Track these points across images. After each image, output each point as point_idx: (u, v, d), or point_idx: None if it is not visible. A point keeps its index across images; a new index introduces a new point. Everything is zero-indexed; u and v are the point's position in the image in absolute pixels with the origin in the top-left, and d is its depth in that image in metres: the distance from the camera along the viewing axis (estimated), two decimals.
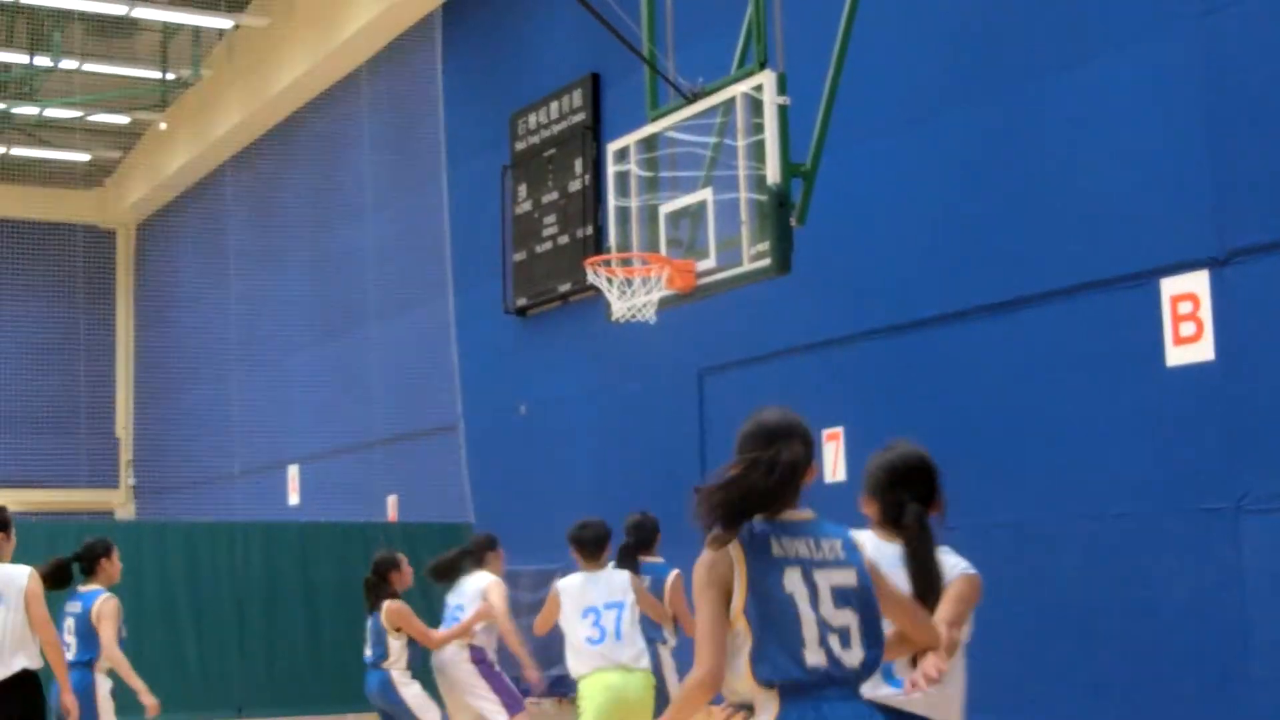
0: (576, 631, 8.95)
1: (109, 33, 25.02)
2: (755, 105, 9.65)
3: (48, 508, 29.18)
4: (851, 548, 4.10)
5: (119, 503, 31.47)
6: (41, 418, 30.46)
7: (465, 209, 19.48)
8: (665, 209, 10.37)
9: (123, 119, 28.08)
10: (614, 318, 10.47)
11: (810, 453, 4.13)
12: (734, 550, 3.99)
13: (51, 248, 31.16)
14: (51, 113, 26.58)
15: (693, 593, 4.05)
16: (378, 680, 10.71)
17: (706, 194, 10.06)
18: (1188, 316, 10.02)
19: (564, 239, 17.09)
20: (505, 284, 18.21)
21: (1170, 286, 10.15)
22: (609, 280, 10.39)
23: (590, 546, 9.17)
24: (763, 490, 4.03)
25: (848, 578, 4.02)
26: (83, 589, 9.15)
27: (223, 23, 24.01)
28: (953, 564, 4.83)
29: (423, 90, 20.51)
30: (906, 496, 4.68)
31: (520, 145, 18.15)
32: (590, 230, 16.51)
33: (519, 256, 17.96)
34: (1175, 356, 10.10)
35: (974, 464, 11.64)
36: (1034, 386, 11.20)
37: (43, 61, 23.89)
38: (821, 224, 10.00)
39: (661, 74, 10.51)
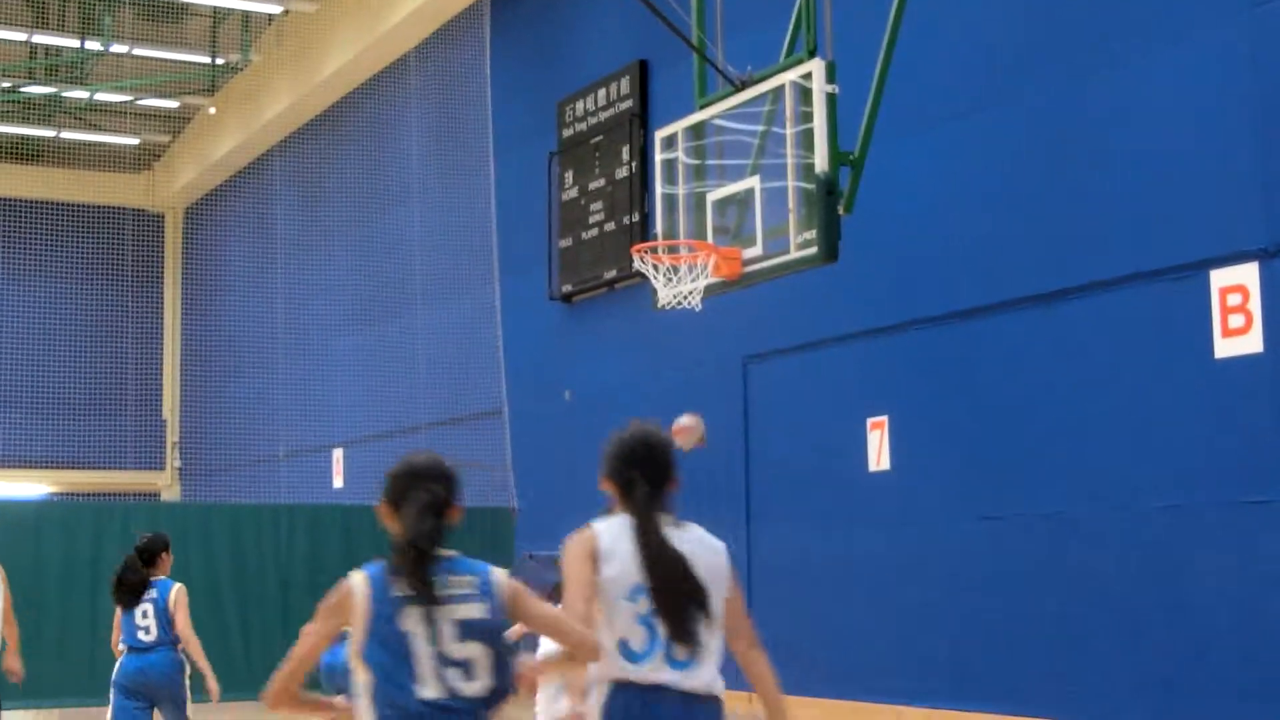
0: None
1: (159, 17, 25.18)
2: (804, 93, 9.64)
3: (94, 489, 29.44)
4: (486, 584, 4.16)
5: (165, 484, 31.68)
6: (89, 400, 30.69)
7: (512, 195, 19.51)
8: (712, 196, 10.38)
9: (172, 103, 28.24)
10: (660, 305, 10.49)
11: (452, 493, 4.25)
12: (359, 590, 4.03)
13: (100, 231, 31.37)
14: (101, 97, 26.76)
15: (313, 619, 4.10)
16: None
17: (754, 182, 10.05)
18: (1237, 308, 9.96)
19: (610, 226, 17.10)
20: (551, 270, 18.25)
21: (1219, 278, 10.10)
22: (655, 267, 10.41)
23: None
24: (412, 535, 4.12)
25: (475, 611, 4.09)
26: (152, 578, 9.77)
27: (272, 8, 24.10)
28: (715, 545, 4.86)
29: (470, 77, 20.55)
30: (637, 475, 4.79)
31: (567, 132, 18.17)
32: (637, 217, 16.52)
33: (565, 243, 17.98)
34: (1224, 348, 10.05)
35: (1019, 454, 11.62)
36: (1080, 377, 11.16)
37: (93, 45, 24.05)
38: (868, 213, 9.99)
39: (710, 61, 10.51)
